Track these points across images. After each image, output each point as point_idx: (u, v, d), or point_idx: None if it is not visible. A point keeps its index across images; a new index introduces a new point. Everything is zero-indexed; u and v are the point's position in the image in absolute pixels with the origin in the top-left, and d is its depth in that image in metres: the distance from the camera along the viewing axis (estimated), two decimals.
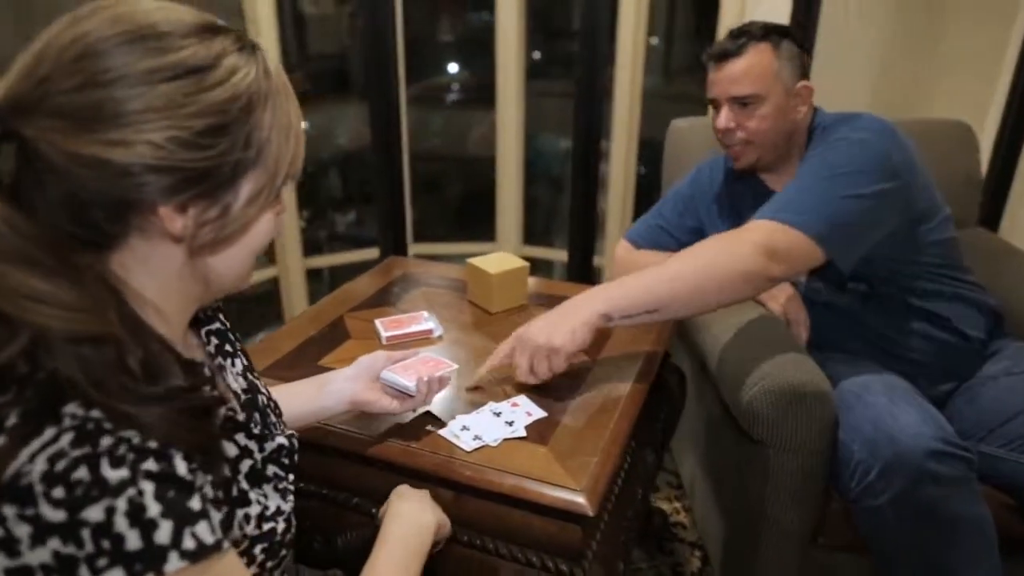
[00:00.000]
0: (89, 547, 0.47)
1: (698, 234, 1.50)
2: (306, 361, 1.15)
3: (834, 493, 1.17)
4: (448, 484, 0.91)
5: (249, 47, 0.58)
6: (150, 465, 0.49)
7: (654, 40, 2.69)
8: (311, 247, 3.28)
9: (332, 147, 3.32)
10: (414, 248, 4.00)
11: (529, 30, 2.59)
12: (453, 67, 3.16)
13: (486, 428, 0.97)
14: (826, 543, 1.21)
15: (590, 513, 0.83)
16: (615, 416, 1.00)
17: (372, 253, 2.73)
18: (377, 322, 1.25)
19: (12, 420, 0.48)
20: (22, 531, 0.46)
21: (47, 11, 0.57)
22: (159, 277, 0.59)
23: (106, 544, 0.47)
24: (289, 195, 3.33)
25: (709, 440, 1.47)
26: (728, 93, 1.29)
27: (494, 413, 1.00)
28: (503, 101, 2.58)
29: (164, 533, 0.48)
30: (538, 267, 3.55)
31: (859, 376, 1.18)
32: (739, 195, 1.43)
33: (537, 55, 2.90)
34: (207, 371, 0.64)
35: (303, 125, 0.64)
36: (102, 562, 0.47)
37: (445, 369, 0.97)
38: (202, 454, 0.55)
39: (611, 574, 0.94)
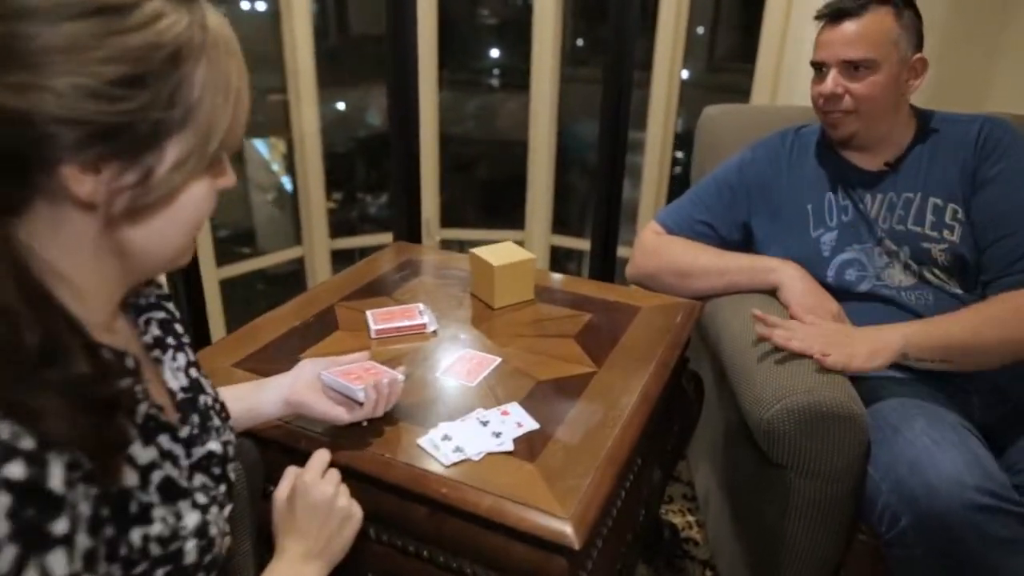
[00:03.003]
0: None
1: (745, 231, 1.37)
2: (286, 353, 1.06)
3: (862, 523, 1.06)
4: (421, 500, 0.82)
5: None
6: (14, 471, 0.41)
7: (700, 30, 2.58)
8: (342, 228, 3.25)
9: (367, 128, 3.26)
10: (442, 233, 3.94)
11: (571, 15, 2.50)
12: (495, 52, 3.11)
13: (470, 439, 0.87)
14: None
15: (576, 546, 0.73)
16: (615, 431, 0.90)
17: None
18: (368, 313, 1.16)
19: None
20: None
21: None
22: (72, 249, 0.52)
23: None
24: (315, 184, 3.30)
25: (726, 453, 1.36)
26: (840, 56, 1.18)
27: (481, 422, 0.91)
28: (537, 85, 2.52)
29: (4, 561, 0.40)
30: (566, 257, 3.46)
31: (900, 400, 1.06)
32: (823, 174, 1.30)
33: (580, 42, 2.83)
34: (130, 362, 0.56)
35: (245, 89, 0.55)
36: None
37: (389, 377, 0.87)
38: (99, 459, 0.47)
39: None
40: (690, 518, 1.66)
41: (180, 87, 0.50)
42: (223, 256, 3.04)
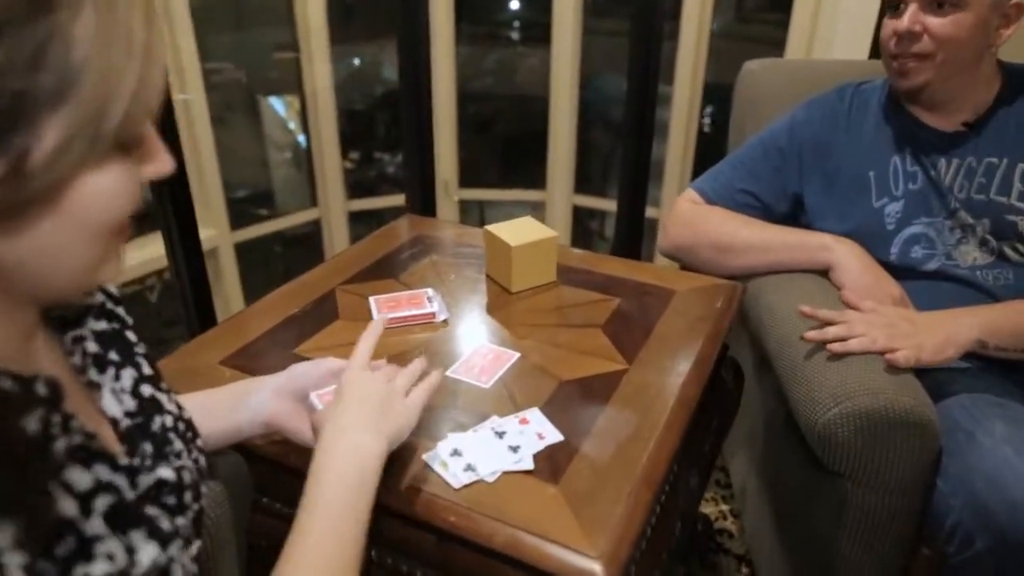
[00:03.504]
0: None
1: (794, 202, 1.23)
2: (279, 348, 0.95)
3: (926, 539, 0.94)
4: (428, 528, 0.71)
5: None
6: None
7: None
8: (361, 189, 3.15)
9: (384, 84, 3.13)
10: (460, 193, 3.81)
11: None
12: (514, 4, 2.97)
13: (483, 454, 0.76)
14: None
15: None
16: (651, 445, 0.78)
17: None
18: (371, 300, 1.04)
19: None
20: None
21: None
22: None
23: None
24: (329, 142, 3.19)
25: (768, 445, 1.24)
26: None
27: (496, 433, 0.79)
28: (558, 38, 2.39)
29: None
30: (589, 216, 3.33)
31: (971, 397, 0.93)
32: (888, 136, 1.14)
33: None
34: (41, 388, 0.44)
35: (158, 42, 0.41)
36: None
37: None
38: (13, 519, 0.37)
39: None
40: (724, 507, 1.56)
41: (49, 44, 0.36)
42: (240, 218, 2.95)
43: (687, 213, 1.28)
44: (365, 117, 3.33)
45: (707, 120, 2.46)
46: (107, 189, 0.41)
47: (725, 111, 1.71)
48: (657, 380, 0.89)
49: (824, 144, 1.19)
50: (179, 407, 0.61)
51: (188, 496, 0.56)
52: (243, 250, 2.95)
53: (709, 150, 2.37)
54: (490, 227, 1.11)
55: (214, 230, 3.68)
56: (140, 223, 0.45)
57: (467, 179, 3.66)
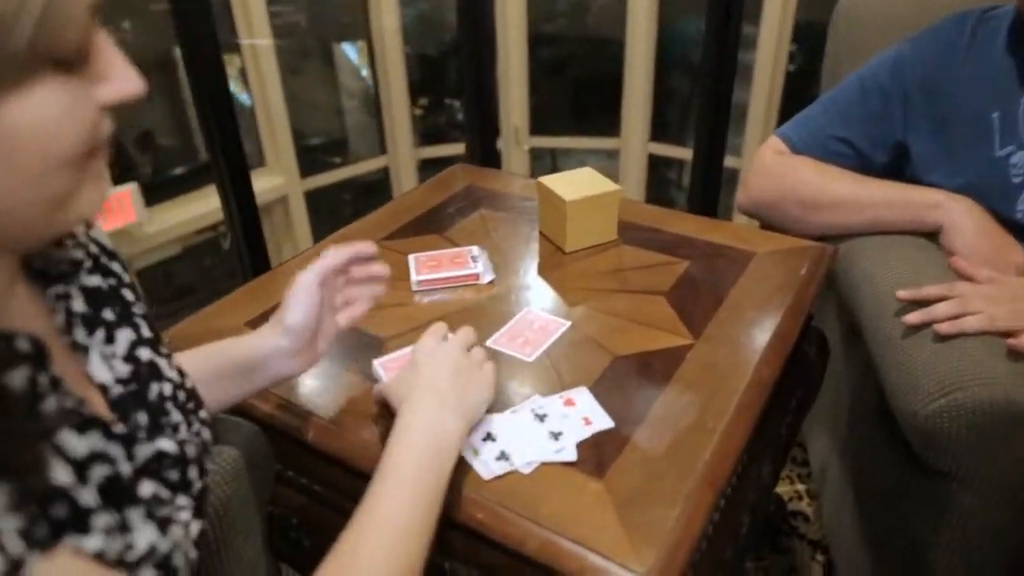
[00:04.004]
0: None
1: (896, 152, 1.06)
2: None
3: None
4: (453, 524, 0.63)
5: None
6: None
7: None
8: (431, 136, 3.09)
9: (453, 29, 3.03)
10: (531, 141, 3.68)
11: None
12: None
13: (520, 441, 0.67)
14: None
15: None
16: (716, 437, 0.67)
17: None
18: (410, 258, 0.95)
19: None
20: None
21: None
22: None
23: None
24: (397, 88, 3.11)
25: (854, 430, 1.10)
26: None
27: (537, 416, 0.70)
28: None
29: None
30: (666, 166, 3.15)
31: None
32: (1016, 71, 0.96)
33: None
34: (23, 344, 0.37)
35: None
36: None
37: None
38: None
39: None
40: (800, 487, 1.43)
41: None
42: (313, 167, 2.95)
43: (770, 164, 1.12)
44: (435, 63, 3.24)
45: (793, 66, 2.25)
46: (44, 116, 0.33)
47: (816, 54, 1.52)
48: (728, 358, 0.77)
49: (936, 83, 1.01)
50: (181, 374, 0.54)
51: (193, 471, 0.50)
52: (313, 198, 2.94)
53: (797, 95, 2.16)
54: (544, 179, 1.00)
55: (283, 178, 3.69)
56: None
57: (538, 126, 3.52)
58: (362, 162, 3.14)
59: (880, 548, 0.98)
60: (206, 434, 0.54)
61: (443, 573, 0.68)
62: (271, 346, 0.66)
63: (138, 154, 3.65)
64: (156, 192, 3.42)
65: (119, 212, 3.28)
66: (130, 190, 3.20)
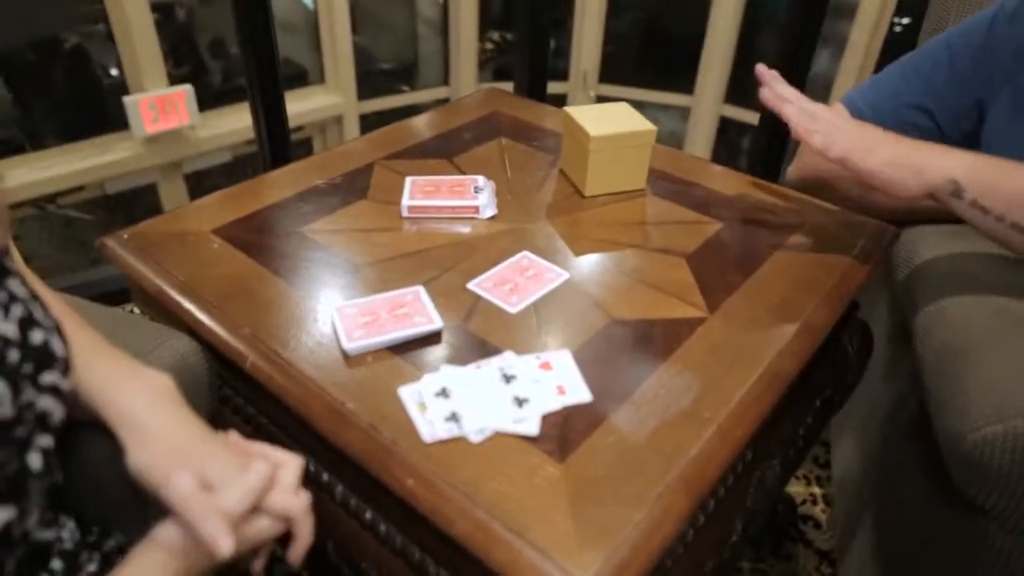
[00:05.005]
0: None
1: (978, 117, 0.90)
2: (284, 223, 0.79)
3: None
4: (381, 484, 0.54)
5: None
6: None
7: None
8: (502, 73, 2.98)
9: None
10: (599, 88, 3.50)
11: None
12: None
13: (478, 402, 0.57)
14: None
15: None
16: (709, 430, 0.56)
17: (555, 85, 2.37)
18: (408, 180, 0.85)
19: None
20: None
21: None
22: None
23: None
24: (467, 16, 2.97)
25: (885, 441, 0.97)
26: None
27: (504, 375, 0.59)
28: None
29: None
30: (739, 132, 2.95)
31: None
32: None
33: None
34: None
35: None
36: None
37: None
38: None
39: None
40: (815, 489, 1.31)
41: None
42: (377, 91, 2.87)
43: None
44: None
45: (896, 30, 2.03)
46: None
47: (918, 19, 1.33)
48: (743, 340, 0.65)
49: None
50: (22, 327, 0.42)
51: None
52: (371, 123, 2.87)
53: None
54: (571, 108, 0.87)
55: (340, 97, 3.61)
56: None
57: (609, 74, 3.34)
58: (422, 91, 3.03)
59: (895, 573, 0.86)
60: (45, 404, 0.43)
61: (375, 530, 0.60)
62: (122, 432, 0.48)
63: (209, 59, 3.62)
64: (220, 98, 3.39)
65: (172, 113, 3.25)
66: (184, 92, 3.15)
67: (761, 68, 0.81)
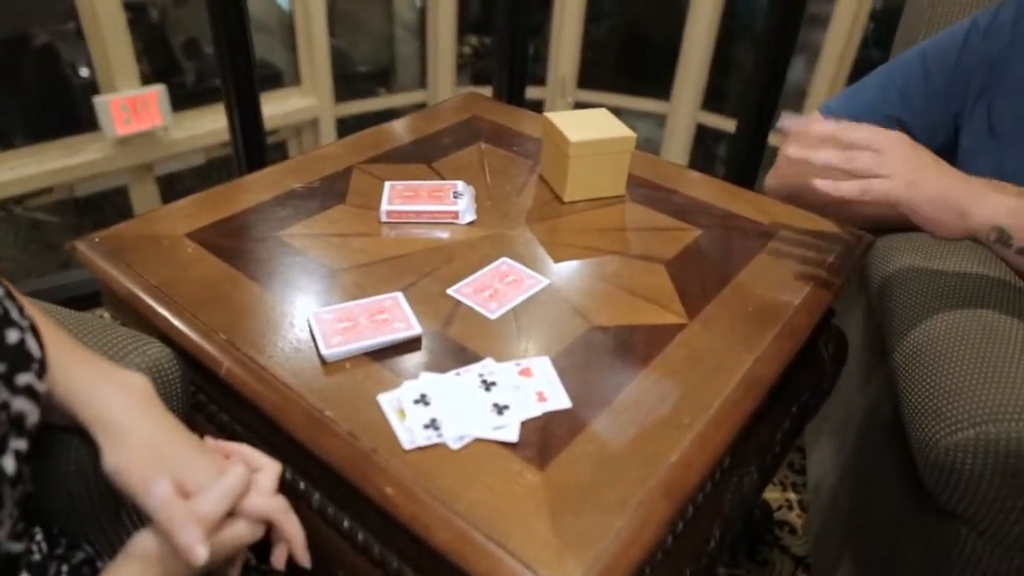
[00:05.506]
0: None
1: (954, 130, 0.92)
2: (261, 227, 0.78)
3: None
4: (359, 493, 0.53)
5: None
6: None
7: None
8: (482, 78, 2.97)
9: None
10: (577, 94, 3.51)
11: None
12: None
13: (457, 409, 0.56)
14: None
15: None
16: (689, 436, 0.56)
17: (533, 90, 2.36)
18: (387, 185, 0.84)
19: None
20: None
21: None
22: None
23: None
24: (445, 20, 2.96)
25: (859, 447, 0.98)
26: None
27: (484, 382, 0.59)
28: None
29: None
30: (715, 140, 2.98)
31: None
32: None
33: None
34: None
35: None
36: None
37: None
38: None
39: None
40: (791, 495, 1.32)
41: None
42: (351, 93, 2.83)
43: None
44: (487, 3, 3.10)
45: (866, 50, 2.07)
46: None
47: (889, 35, 1.36)
48: (722, 346, 0.66)
49: (1005, 62, 0.86)
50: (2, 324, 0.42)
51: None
52: (348, 127, 2.85)
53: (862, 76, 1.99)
54: (551, 114, 0.87)
55: (315, 100, 3.57)
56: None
57: (587, 81, 3.35)
58: (399, 94, 3.02)
59: None
60: (20, 405, 0.42)
61: (353, 539, 0.59)
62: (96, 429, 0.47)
63: (184, 59, 3.56)
64: (194, 99, 3.32)
65: (144, 114, 3.19)
66: (157, 92, 3.09)
67: (787, 121, 0.74)
